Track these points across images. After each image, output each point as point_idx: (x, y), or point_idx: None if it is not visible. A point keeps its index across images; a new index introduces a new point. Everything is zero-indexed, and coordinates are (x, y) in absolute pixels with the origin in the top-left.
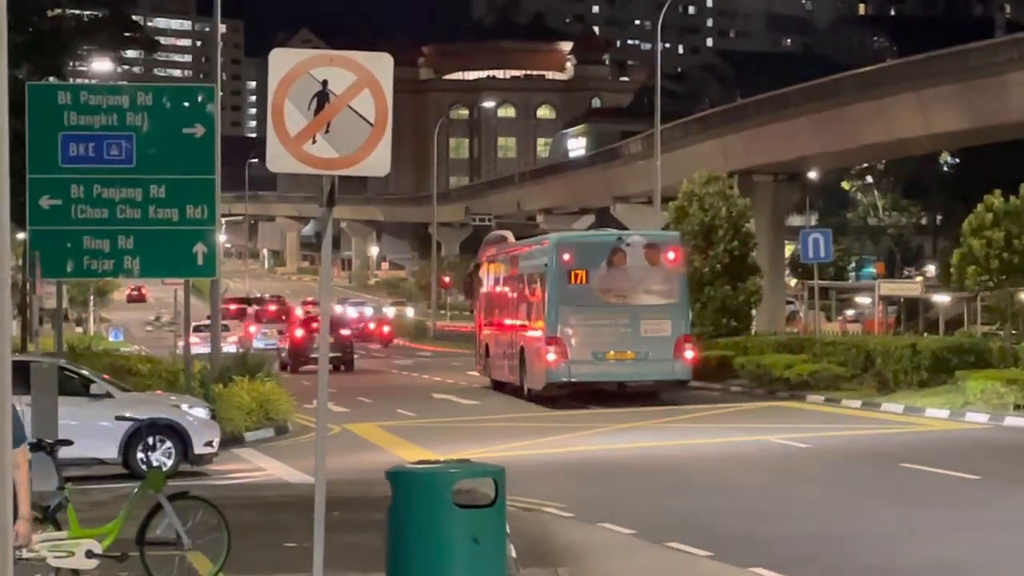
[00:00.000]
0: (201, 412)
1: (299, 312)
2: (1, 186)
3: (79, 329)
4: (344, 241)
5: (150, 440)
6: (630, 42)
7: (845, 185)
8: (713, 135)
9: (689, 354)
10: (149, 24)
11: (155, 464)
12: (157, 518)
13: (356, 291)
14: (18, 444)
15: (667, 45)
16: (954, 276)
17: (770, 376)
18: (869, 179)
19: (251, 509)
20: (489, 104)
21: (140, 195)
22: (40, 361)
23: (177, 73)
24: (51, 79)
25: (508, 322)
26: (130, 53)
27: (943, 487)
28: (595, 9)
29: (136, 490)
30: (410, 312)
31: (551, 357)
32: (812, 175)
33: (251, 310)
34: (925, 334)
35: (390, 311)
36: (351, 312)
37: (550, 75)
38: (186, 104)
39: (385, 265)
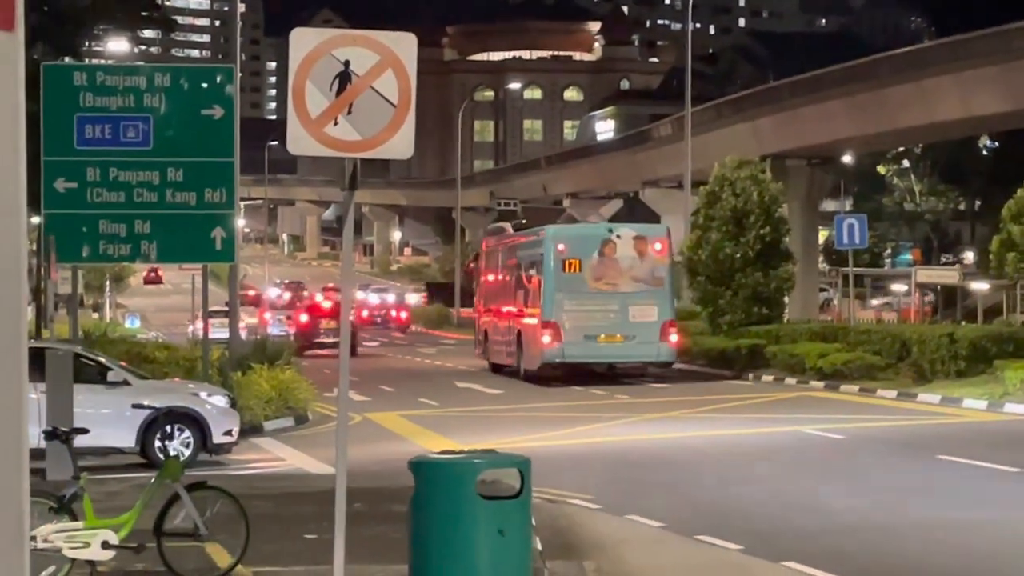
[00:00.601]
0: (220, 400)
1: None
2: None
3: (95, 315)
4: (366, 226)
5: (168, 429)
6: (660, 22)
7: (881, 169)
8: (745, 118)
9: (674, 338)
10: (167, 3)
11: (173, 453)
12: (175, 508)
13: (378, 277)
14: None
15: (698, 25)
16: (993, 263)
17: (803, 365)
18: (906, 163)
19: (270, 500)
20: (515, 86)
21: (157, 178)
22: (56, 348)
23: (195, 53)
24: (67, 59)
25: (506, 308)
26: (147, 33)
27: (981, 479)
28: None
29: (153, 480)
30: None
31: (546, 340)
32: (847, 159)
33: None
34: (963, 322)
35: (413, 297)
36: (373, 298)
37: (577, 56)
38: (204, 85)
39: (408, 251)
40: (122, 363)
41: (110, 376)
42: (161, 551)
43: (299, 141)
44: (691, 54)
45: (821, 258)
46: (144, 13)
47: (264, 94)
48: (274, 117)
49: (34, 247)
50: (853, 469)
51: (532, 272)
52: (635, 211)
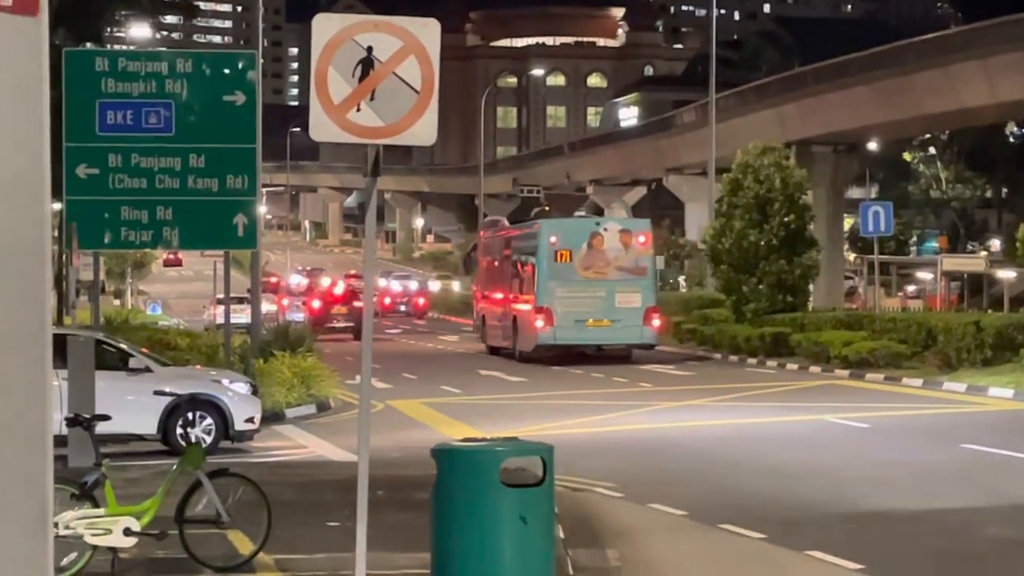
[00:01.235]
0: (242, 387)
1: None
2: (43, 154)
3: (117, 302)
4: (388, 213)
5: (190, 416)
6: (684, 8)
7: (907, 156)
8: (770, 104)
9: (656, 322)
10: None
11: (194, 440)
12: (196, 495)
13: (401, 264)
14: None
15: (722, 11)
16: (1020, 251)
17: (828, 354)
18: (932, 150)
19: (292, 487)
20: (538, 72)
21: (179, 164)
22: (77, 334)
23: (217, 39)
24: (88, 45)
25: (502, 295)
26: (169, 18)
27: (1007, 469)
28: None
29: (175, 467)
30: (456, 286)
31: (540, 324)
32: (872, 146)
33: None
34: (989, 311)
35: (435, 285)
36: (395, 286)
37: (601, 42)
38: (226, 71)
39: (430, 237)
40: (144, 350)
41: (132, 363)
42: (183, 538)
43: (321, 127)
44: (715, 40)
45: (847, 246)
46: None
47: (286, 80)
48: (296, 103)
49: (56, 233)
50: (878, 458)
51: (527, 261)
52: (659, 198)
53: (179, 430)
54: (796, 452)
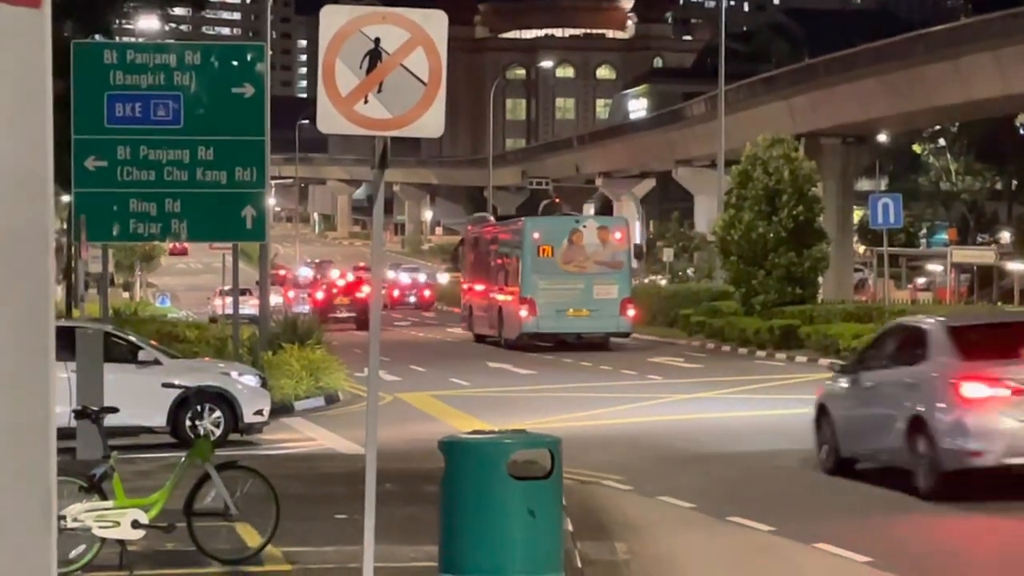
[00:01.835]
0: (251, 380)
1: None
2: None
3: (126, 294)
4: (397, 205)
5: (199, 408)
6: None
7: (917, 148)
8: (779, 96)
9: (631, 312)
10: None
11: (203, 432)
12: (205, 488)
13: (409, 256)
14: None
15: (732, 2)
16: None
17: (837, 346)
18: (942, 142)
19: (301, 480)
20: (547, 64)
21: (188, 157)
22: (86, 327)
23: (225, 31)
24: (97, 37)
25: (489, 287)
26: (178, 10)
27: None
28: None
29: (183, 459)
30: None
31: (524, 313)
32: (882, 138)
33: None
34: (999, 303)
35: (444, 277)
36: (404, 278)
37: (610, 34)
38: (235, 63)
39: (439, 230)
40: (153, 342)
41: (141, 355)
42: (191, 531)
43: (329, 119)
44: (725, 32)
45: (856, 238)
46: None
47: (295, 72)
48: (305, 95)
49: (65, 226)
50: None
51: (511, 256)
52: (668, 190)
53: (188, 422)
54: (805, 445)
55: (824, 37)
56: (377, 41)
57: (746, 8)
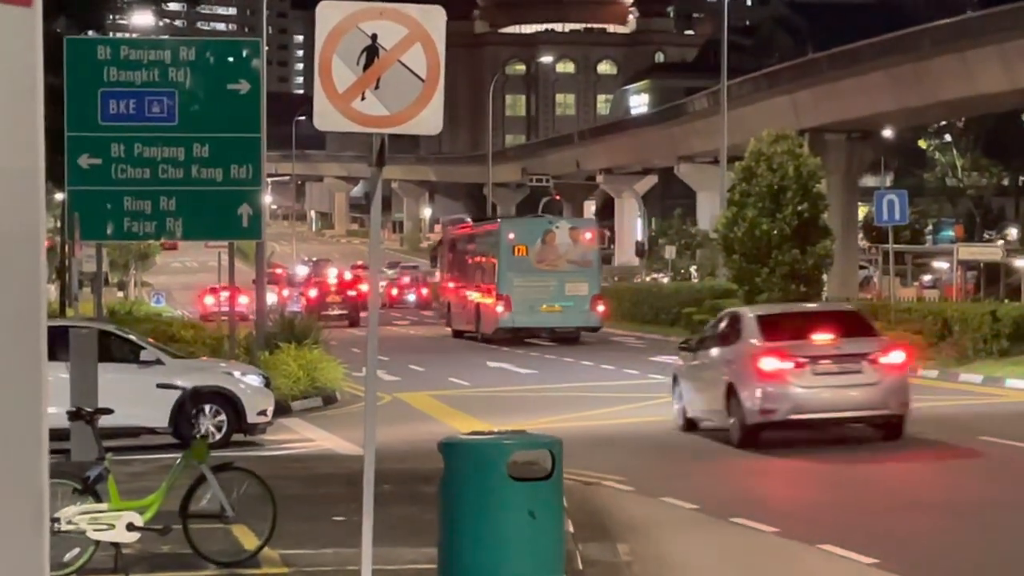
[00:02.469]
0: (254, 380)
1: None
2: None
3: (120, 294)
4: (395, 202)
5: (202, 409)
6: None
7: (922, 144)
8: (783, 91)
9: (600, 308)
10: None
11: (203, 433)
12: (201, 490)
13: (408, 254)
14: None
15: None
16: None
17: None
18: (948, 137)
19: (298, 481)
20: (547, 59)
21: (183, 154)
22: (79, 326)
23: (221, 27)
24: (90, 33)
25: (466, 284)
26: (172, 5)
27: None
28: None
29: (179, 461)
30: None
31: (500, 309)
32: (887, 133)
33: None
34: (1006, 300)
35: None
36: (403, 277)
37: (611, 28)
38: (231, 59)
39: (438, 227)
40: (150, 339)
41: (143, 355)
42: (187, 533)
43: (326, 116)
44: (728, 26)
45: (861, 235)
46: None
47: (291, 68)
48: (302, 92)
49: (58, 224)
50: (891, 450)
51: (488, 255)
52: (670, 187)
53: (191, 423)
54: (809, 444)
55: (828, 31)
56: (374, 37)
57: (749, 2)
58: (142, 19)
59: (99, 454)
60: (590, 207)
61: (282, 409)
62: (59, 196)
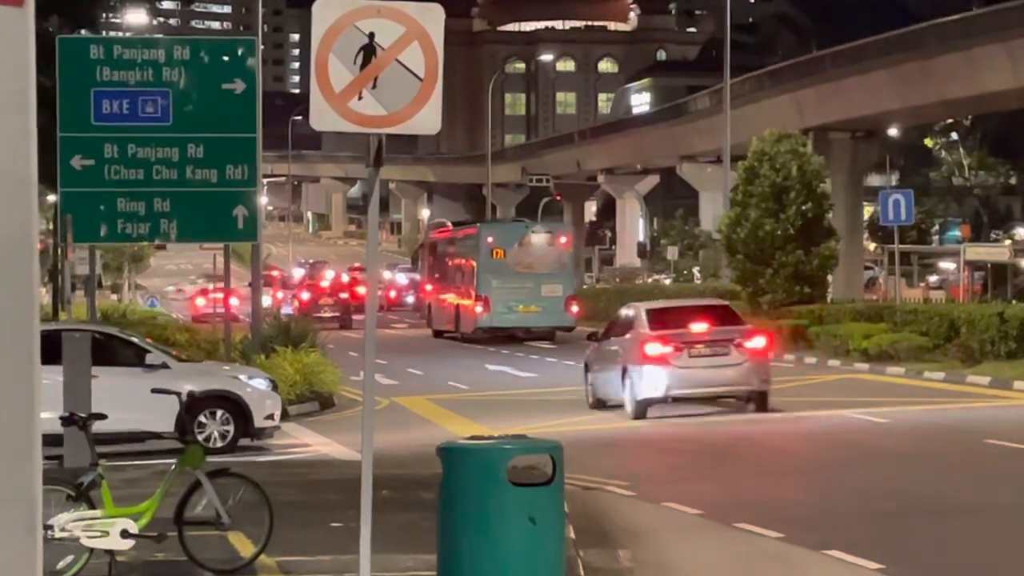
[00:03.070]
0: (261, 383)
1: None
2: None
3: (114, 297)
4: (393, 203)
5: (209, 413)
6: None
7: (928, 143)
8: (786, 90)
9: (574, 308)
10: None
11: (206, 437)
12: (196, 496)
13: (406, 256)
14: None
15: None
16: None
17: (847, 347)
18: (954, 136)
19: (295, 487)
20: (547, 57)
21: (177, 155)
22: (81, 330)
23: (216, 25)
24: (83, 32)
25: (447, 286)
26: (166, 4)
27: None
28: None
29: (174, 467)
30: None
31: (479, 310)
32: (893, 132)
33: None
34: (1014, 301)
35: None
36: (401, 279)
37: (612, 26)
38: (225, 58)
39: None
40: (156, 343)
41: (148, 359)
42: (182, 540)
43: (322, 116)
44: (730, 23)
45: (866, 235)
46: None
47: (287, 67)
48: (298, 91)
49: (51, 226)
50: (898, 454)
51: (468, 258)
52: (672, 187)
53: (197, 428)
54: (814, 448)
55: (831, 28)
56: (371, 36)
57: None
58: (136, 18)
59: (92, 460)
60: (591, 207)
61: None
62: (51, 198)
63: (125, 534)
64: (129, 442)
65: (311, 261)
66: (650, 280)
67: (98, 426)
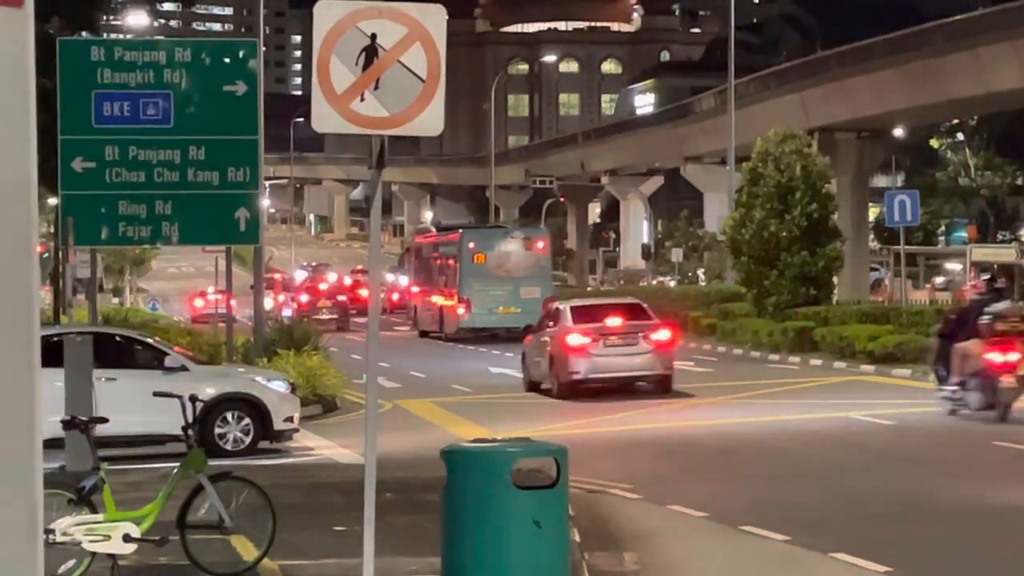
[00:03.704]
0: (280, 386)
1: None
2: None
3: (116, 300)
4: (396, 205)
5: (228, 416)
6: None
7: (934, 143)
8: (791, 89)
9: None
10: None
11: (233, 440)
12: (198, 500)
13: None
14: None
15: None
16: None
17: (852, 348)
18: (960, 136)
19: (298, 490)
20: (550, 58)
21: (178, 157)
22: (103, 332)
23: (217, 27)
24: (84, 34)
25: (431, 289)
26: (167, 6)
27: None
28: None
29: (176, 470)
30: None
31: (461, 311)
32: (898, 132)
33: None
34: (1020, 303)
35: None
36: (404, 281)
37: (615, 26)
38: (227, 60)
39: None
40: (178, 348)
41: (167, 361)
42: (185, 544)
43: (324, 118)
44: (734, 23)
45: (872, 236)
46: None
47: (289, 69)
48: (300, 92)
49: (52, 229)
50: (904, 456)
51: (451, 262)
52: (676, 188)
53: (216, 430)
54: (820, 450)
55: (837, 28)
56: (373, 37)
57: None
58: (136, 19)
59: (94, 463)
60: (595, 209)
61: None
62: (52, 201)
63: (127, 538)
64: (149, 444)
65: (313, 264)
66: (654, 282)
67: (119, 429)
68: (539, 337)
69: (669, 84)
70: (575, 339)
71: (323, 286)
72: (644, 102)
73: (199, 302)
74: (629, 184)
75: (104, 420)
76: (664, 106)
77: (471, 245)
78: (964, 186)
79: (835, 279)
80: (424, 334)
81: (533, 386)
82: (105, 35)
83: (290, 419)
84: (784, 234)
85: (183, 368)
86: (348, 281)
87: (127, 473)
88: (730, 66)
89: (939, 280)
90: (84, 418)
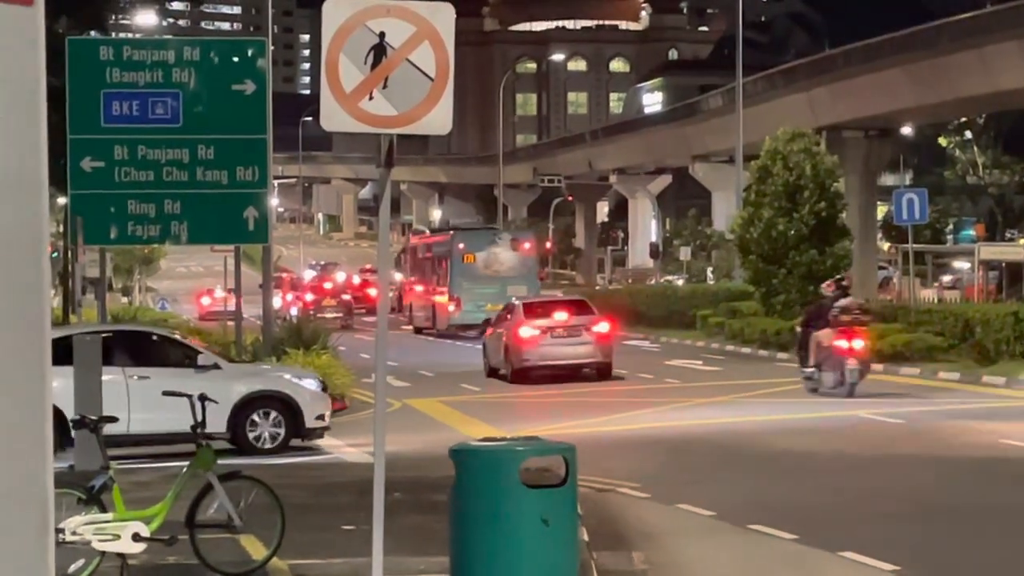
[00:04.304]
0: (312, 384)
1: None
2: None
3: (125, 299)
4: (404, 204)
5: (261, 414)
6: None
7: (942, 141)
8: (799, 88)
9: None
10: None
11: (264, 439)
12: (208, 499)
13: None
14: None
15: None
16: None
17: None
18: (968, 134)
19: (307, 489)
20: (558, 57)
21: (187, 156)
22: (144, 331)
23: (226, 26)
24: (92, 33)
25: (424, 287)
26: (176, 5)
27: None
28: None
29: (185, 469)
30: None
31: (451, 308)
32: (906, 130)
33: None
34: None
35: None
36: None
37: (623, 25)
38: (235, 59)
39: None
40: (209, 347)
41: (200, 360)
42: (194, 543)
43: (333, 117)
44: (742, 21)
45: (880, 235)
46: None
47: (297, 68)
48: (308, 92)
49: (61, 229)
50: (912, 455)
51: (442, 262)
52: (684, 187)
53: (248, 431)
54: (829, 449)
55: (845, 26)
56: (382, 35)
57: None
58: (145, 19)
59: (104, 463)
60: (603, 208)
61: None
62: (61, 200)
63: (136, 537)
64: (182, 442)
65: (322, 263)
66: (663, 281)
67: (151, 427)
68: (497, 330)
69: (677, 83)
70: (526, 331)
71: (328, 285)
72: (652, 100)
73: (206, 300)
74: (637, 183)
75: (114, 419)
76: (672, 104)
77: (461, 246)
78: (972, 184)
79: None
80: (419, 331)
81: (492, 372)
82: (114, 34)
83: (321, 417)
84: (792, 233)
85: (216, 366)
86: (357, 280)
87: (136, 472)
88: (738, 65)
89: (947, 279)
90: (93, 417)
